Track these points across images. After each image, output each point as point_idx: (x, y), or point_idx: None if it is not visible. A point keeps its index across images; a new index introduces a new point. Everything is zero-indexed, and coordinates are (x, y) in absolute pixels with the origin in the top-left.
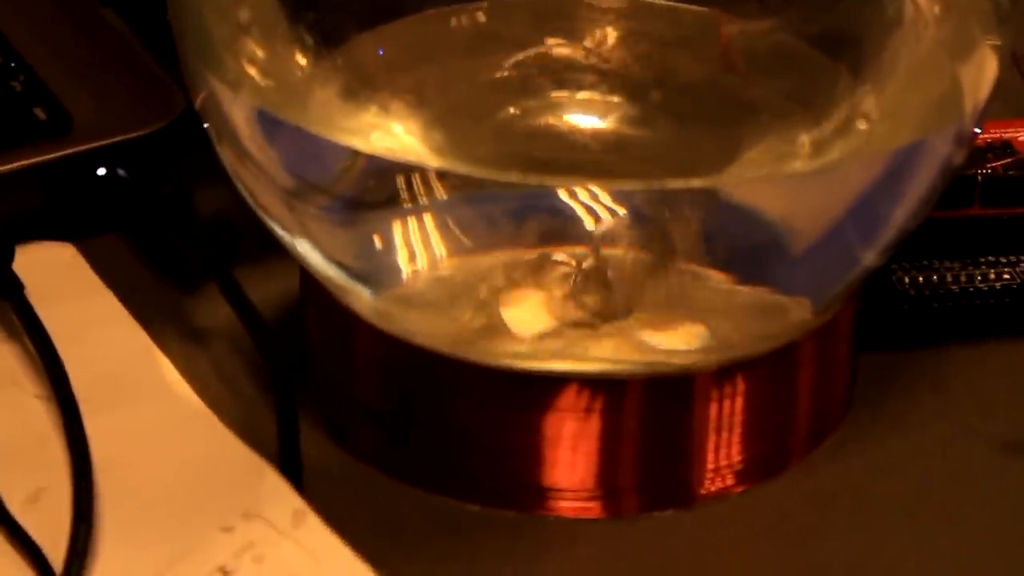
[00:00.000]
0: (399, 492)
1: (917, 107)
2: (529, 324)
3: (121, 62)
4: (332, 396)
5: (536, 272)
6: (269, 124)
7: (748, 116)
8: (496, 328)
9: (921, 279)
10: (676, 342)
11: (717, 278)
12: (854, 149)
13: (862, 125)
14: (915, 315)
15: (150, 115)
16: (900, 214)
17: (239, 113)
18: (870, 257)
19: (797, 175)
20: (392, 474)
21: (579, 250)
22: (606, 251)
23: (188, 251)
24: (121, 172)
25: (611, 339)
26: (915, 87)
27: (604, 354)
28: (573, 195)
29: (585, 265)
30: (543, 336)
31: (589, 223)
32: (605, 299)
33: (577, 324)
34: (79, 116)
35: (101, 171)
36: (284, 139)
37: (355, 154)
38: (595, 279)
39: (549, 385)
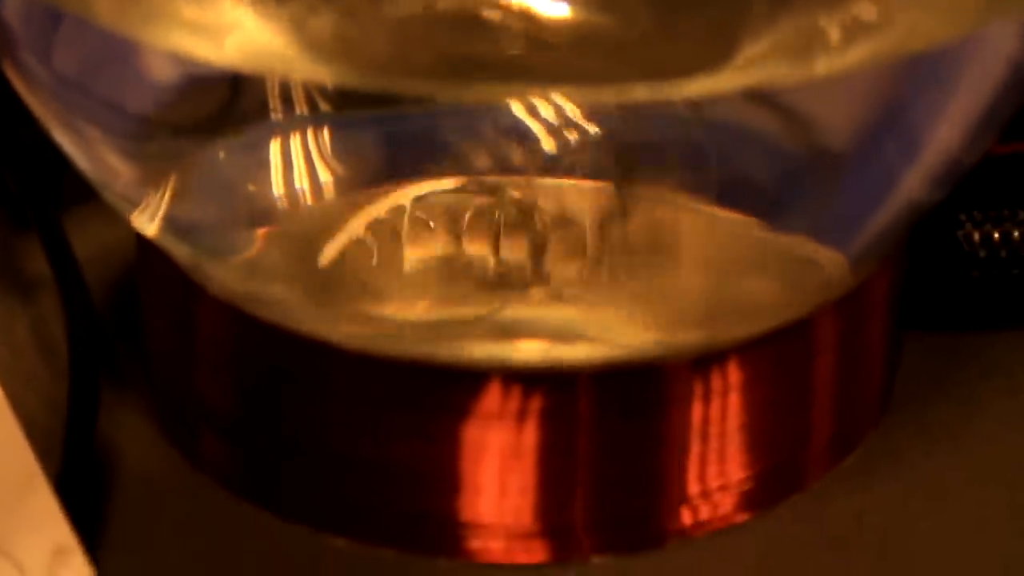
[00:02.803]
0: (252, 519)
1: None
2: (430, 274)
3: None
4: (171, 391)
5: (446, 212)
6: (52, 22)
7: None
8: (381, 293)
9: (997, 235)
10: (643, 316)
11: (707, 215)
12: (891, 43)
13: (902, 8)
14: (986, 283)
15: None
16: (955, 133)
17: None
18: (916, 191)
19: (815, 79)
20: (244, 495)
21: (510, 180)
22: (546, 181)
23: (8, 179)
24: None
25: (548, 308)
26: None
27: (538, 329)
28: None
29: (515, 195)
30: (447, 299)
31: (534, 140)
32: (539, 246)
33: (500, 282)
34: None
35: None
36: (78, 43)
37: (185, 63)
38: (527, 217)
39: (463, 381)
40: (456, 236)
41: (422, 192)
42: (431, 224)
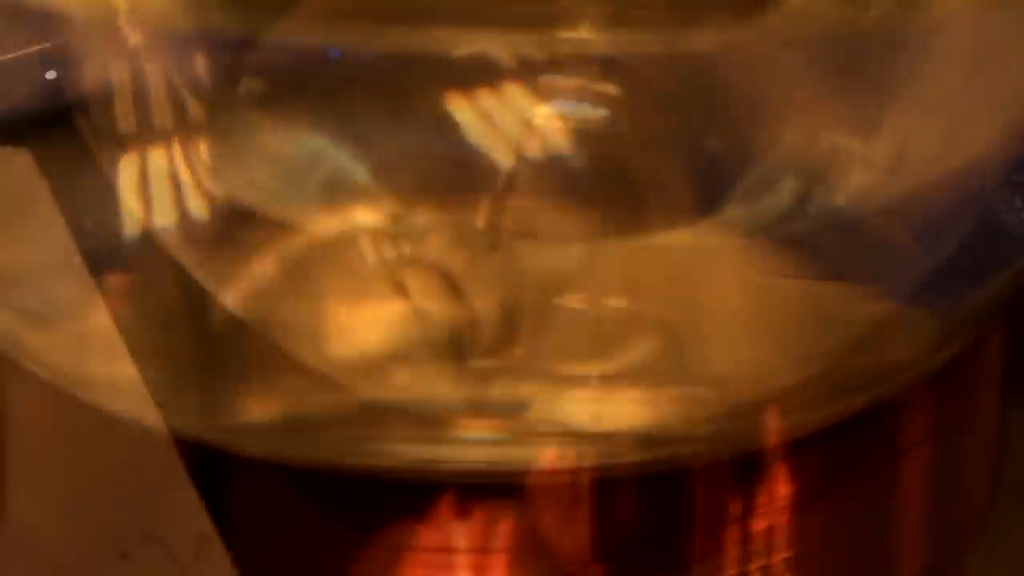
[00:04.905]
0: None
1: None
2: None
3: None
4: None
5: (379, 243)
6: None
7: None
8: (281, 363)
9: None
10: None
11: (729, 254)
12: None
13: None
14: None
15: None
16: None
17: None
18: None
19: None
20: None
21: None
22: (517, 204)
23: None
24: None
25: (516, 383)
26: None
27: (494, 411)
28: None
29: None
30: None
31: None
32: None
33: (454, 343)
34: None
35: None
36: None
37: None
38: (490, 252)
39: (398, 496)
40: (395, 276)
41: (348, 220)
42: (365, 256)
